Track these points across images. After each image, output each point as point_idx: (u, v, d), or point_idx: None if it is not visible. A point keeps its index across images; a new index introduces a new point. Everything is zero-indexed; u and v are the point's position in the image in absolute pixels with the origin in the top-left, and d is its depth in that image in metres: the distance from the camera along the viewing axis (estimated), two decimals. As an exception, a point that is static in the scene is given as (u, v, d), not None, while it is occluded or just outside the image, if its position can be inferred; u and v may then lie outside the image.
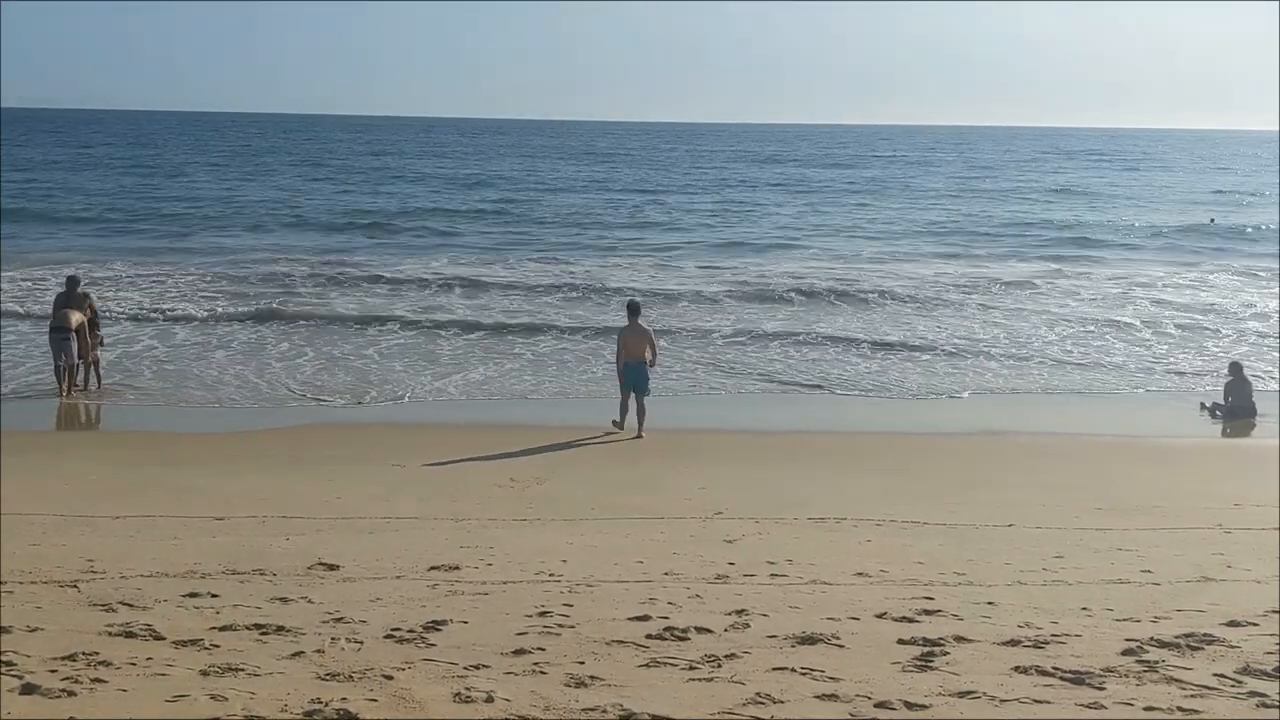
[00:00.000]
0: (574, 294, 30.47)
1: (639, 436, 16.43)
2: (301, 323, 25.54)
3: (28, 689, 5.99)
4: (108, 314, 23.48)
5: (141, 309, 26.80)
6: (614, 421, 16.76)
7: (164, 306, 27.19)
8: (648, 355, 16.88)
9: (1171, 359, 23.78)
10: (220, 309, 26.94)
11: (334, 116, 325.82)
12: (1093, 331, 26.40)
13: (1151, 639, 7.17)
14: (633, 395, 16.71)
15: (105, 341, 19.60)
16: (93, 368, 19.12)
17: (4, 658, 6.46)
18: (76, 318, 18.58)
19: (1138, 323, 27.72)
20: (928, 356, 23.24)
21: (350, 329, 25.06)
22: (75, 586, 8.27)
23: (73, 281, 19.67)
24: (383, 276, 32.78)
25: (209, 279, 31.76)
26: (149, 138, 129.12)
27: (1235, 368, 19.39)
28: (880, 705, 6.03)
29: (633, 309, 17.48)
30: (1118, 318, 28.36)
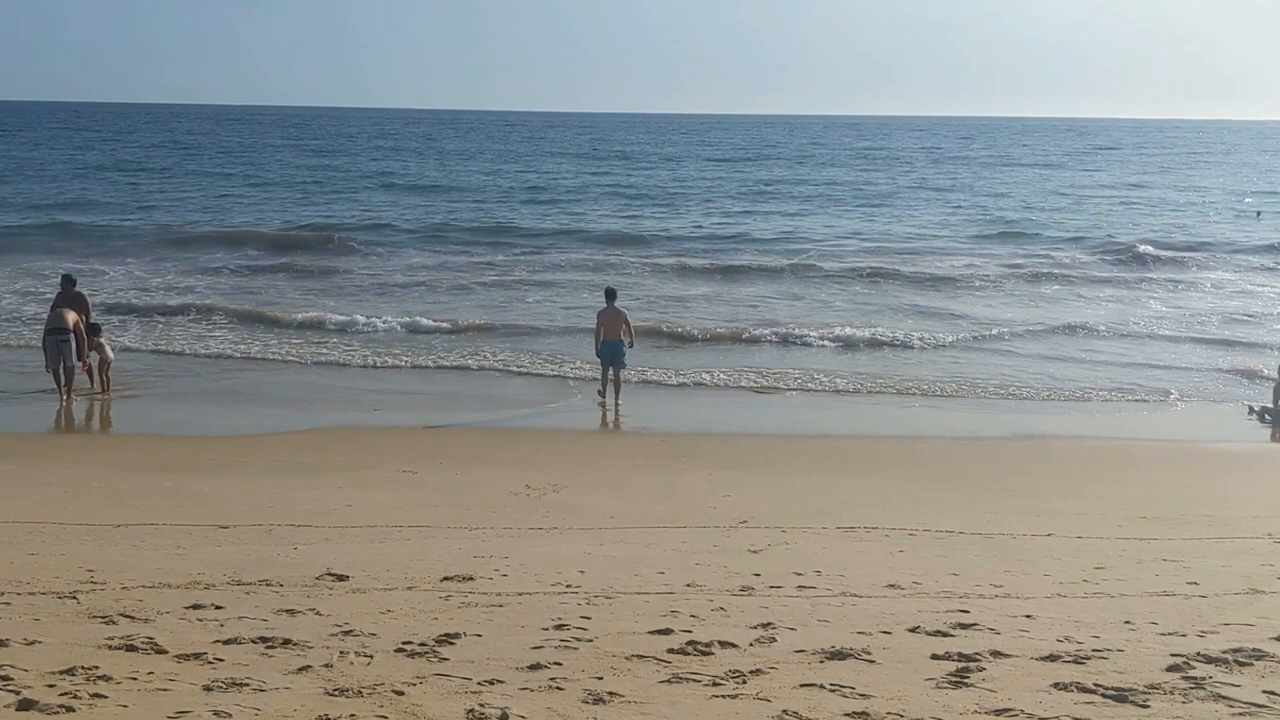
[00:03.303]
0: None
1: (617, 405, 18.76)
2: (298, 323, 25.74)
3: (25, 704, 6.01)
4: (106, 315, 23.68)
5: (139, 310, 27.07)
6: (598, 391, 19.12)
7: (160, 308, 27.45)
8: (624, 335, 19.19)
9: (1220, 362, 23.64)
10: (223, 311, 27.13)
11: (325, 109, 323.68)
12: (1140, 335, 26.27)
13: (1198, 654, 7.13)
14: (610, 370, 19.07)
15: (103, 344, 19.62)
16: (103, 370, 19.27)
17: (1, 671, 6.48)
18: (73, 318, 18.70)
19: (1184, 325, 27.67)
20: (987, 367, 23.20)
21: (351, 332, 25.20)
22: (74, 598, 8.30)
23: (69, 280, 19.75)
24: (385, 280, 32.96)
25: (209, 280, 31.99)
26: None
27: (1285, 369, 19.27)
28: (913, 723, 6.00)
29: (610, 293, 20.03)
30: (1163, 319, 28.33)
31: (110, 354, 19.58)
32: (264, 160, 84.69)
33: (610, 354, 19.11)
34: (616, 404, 18.84)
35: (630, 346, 19.35)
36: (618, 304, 19.78)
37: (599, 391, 19.09)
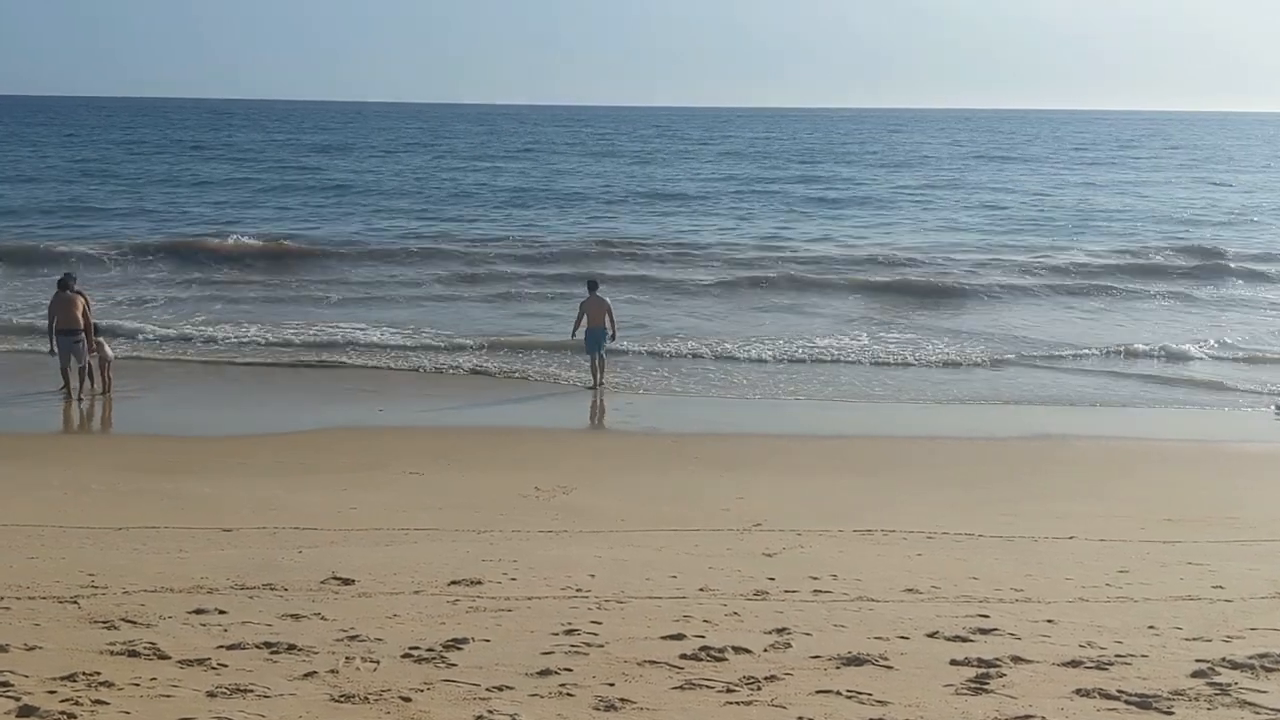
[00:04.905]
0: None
1: (600, 384, 20.48)
2: (297, 327, 25.76)
3: (25, 711, 6.03)
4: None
5: (136, 310, 27.20)
6: (588, 386, 20.67)
7: (160, 308, 27.57)
8: (607, 323, 20.87)
9: (1244, 360, 23.57)
10: (220, 313, 27.25)
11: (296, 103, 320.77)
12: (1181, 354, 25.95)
13: (1223, 659, 7.11)
14: (595, 355, 20.80)
15: (102, 343, 19.73)
16: (104, 369, 19.39)
17: (1, 678, 6.50)
18: (82, 318, 18.88)
19: (1216, 323, 27.60)
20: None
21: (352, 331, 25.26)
22: (75, 602, 8.32)
23: (69, 279, 19.83)
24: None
25: (203, 285, 32.07)
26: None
27: (1314, 367, 19.23)
28: (931, 731, 6.00)
29: (592, 285, 21.93)
30: (1197, 320, 28.24)
31: (109, 353, 19.72)
32: (251, 160, 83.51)
33: (594, 340, 20.79)
34: (600, 383, 20.48)
35: (613, 337, 21.03)
36: (600, 294, 21.35)
37: (589, 386, 20.55)
